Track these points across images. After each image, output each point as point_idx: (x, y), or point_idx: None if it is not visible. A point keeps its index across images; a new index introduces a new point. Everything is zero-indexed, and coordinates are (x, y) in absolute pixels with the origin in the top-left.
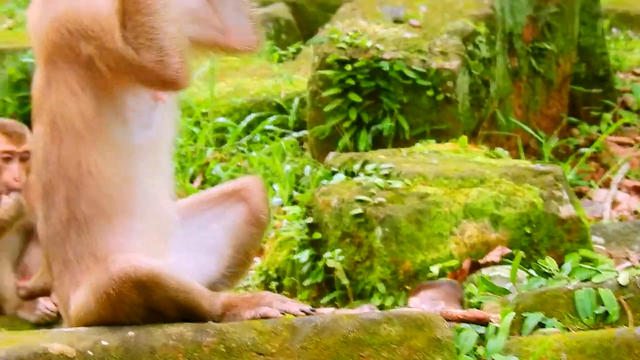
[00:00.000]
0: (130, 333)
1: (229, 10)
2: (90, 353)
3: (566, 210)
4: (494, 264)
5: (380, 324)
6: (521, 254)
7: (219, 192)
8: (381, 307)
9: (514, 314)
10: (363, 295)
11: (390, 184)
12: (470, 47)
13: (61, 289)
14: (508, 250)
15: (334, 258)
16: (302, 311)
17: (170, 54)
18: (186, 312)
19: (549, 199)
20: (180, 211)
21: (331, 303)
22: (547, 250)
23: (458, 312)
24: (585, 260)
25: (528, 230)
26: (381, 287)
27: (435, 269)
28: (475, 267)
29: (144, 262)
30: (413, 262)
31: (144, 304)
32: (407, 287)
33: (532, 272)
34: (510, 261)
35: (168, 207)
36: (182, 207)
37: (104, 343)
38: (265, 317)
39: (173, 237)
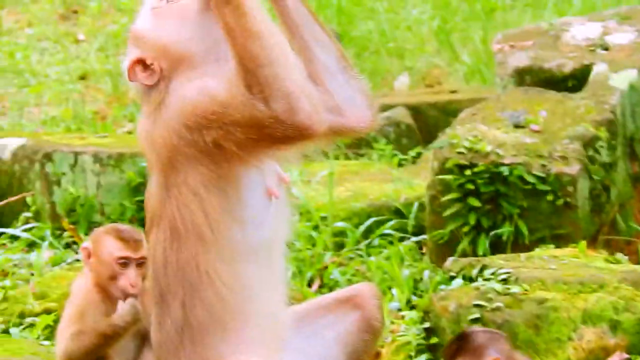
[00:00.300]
0: None
1: (339, 86)
2: None
3: None
4: None
5: None
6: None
7: (334, 298)
8: None
9: None
10: None
11: (508, 289)
12: (591, 152)
13: None
14: (627, 356)
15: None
16: None
17: (299, 99)
18: None
19: None
20: (295, 317)
21: None
22: None
23: None
24: None
25: None
26: None
27: None
28: None
29: None
30: None
31: None
32: None
33: None
34: None
35: (282, 314)
36: (297, 313)
37: None
38: None
39: (286, 345)
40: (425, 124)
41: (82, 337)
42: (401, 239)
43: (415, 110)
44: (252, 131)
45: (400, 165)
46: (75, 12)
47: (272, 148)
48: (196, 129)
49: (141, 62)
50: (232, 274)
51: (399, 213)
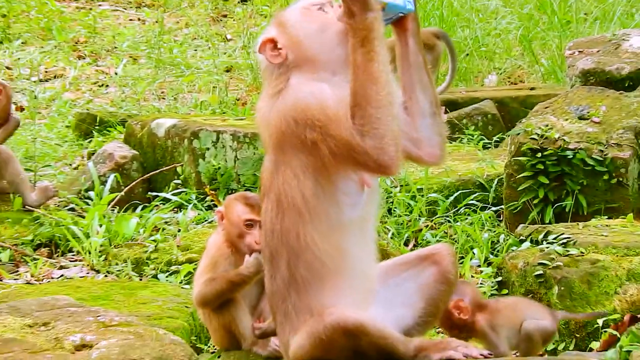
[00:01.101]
0: None
1: (425, 125)
2: None
3: None
4: None
5: None
6: None
7: (416, 255)
8: (554, 351)
9: None
10: None
11: (567, 251)
12: None
13: (282, 334)
14: None
15: None
16: (482, 355)
17: (389, 143)
18: (385, 354)
19: None
20: (383, 271)
21: None
22: None
23: None
24: None
25: None
26: (555, 335)
27: (601, 321)
28: (634, 320)
29: (352, 314)
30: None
31: (351, 347)
32: (577, 335)
33: None
34: None
35: (371, 270)
36: (385, 267)
37: None
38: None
39: (376, 294)
40: (508, 114)
41: (214, 283)
42: (482, 208)
43: (500, 103)
44: (343, 150)
45: (485, 147)
46: (225, 16)
47: (354, 168)
48: (302, 125)
49: (273, 42)
50: (328, 242)
51: (481, 187)
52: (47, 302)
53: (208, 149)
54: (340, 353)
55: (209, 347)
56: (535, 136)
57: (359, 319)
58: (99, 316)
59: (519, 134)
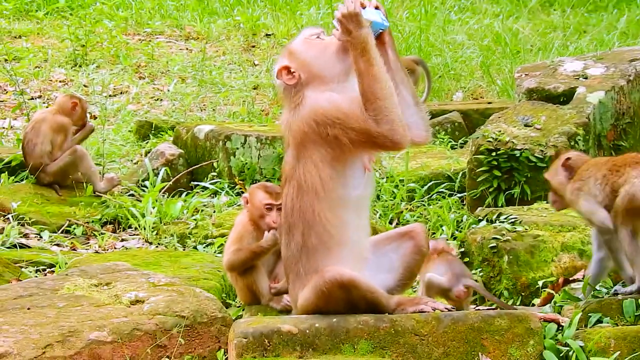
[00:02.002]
0: (334, 319)
1: (411, 113)
2: (307, 331)
3: None
4: (578, 281)
5: (495, 318)
6: (588, 276)
7: (397, 232)
8: None
9: (581, 313)
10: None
11: (515, 228)
12: (572, 143)
13: (293, 291)
14: None
15: (477, 274)
16: (446, 308)
17: (398, 125)
18: (371, 306)
19: None
20: (373, 243)
21: (473, 302)
22: (614, 272)
23: (541, 314)
24: None
25: None
26: (506, 293)
27: (540, 283)
28: (567, 282)
29: (346, 271)
30: (527, 278)
31: (345, 298)
32: (522, 294)
33: (597, 287)
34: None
35: (365, 242)
36: (374, 241)
37: (317, 325)
38: (421, 312)
39: (367, 260)
40: (471, 122)
41: (240, 253)
42: (450, 195)
43: (465, 114)
44: (363, 137)
45: (452, 148)
46: (253, 46)
47: (372, 149)
48: (322, 124)
49: (287, 69)
50: (335, 216)
51: (449, 178)
52: (109, 266)
53: (238, 148)
54: (337, 303)
55: (235, 302)
56: (490, 139)
57: (351, 275)
58: (149, 278)
59: (478, 137)
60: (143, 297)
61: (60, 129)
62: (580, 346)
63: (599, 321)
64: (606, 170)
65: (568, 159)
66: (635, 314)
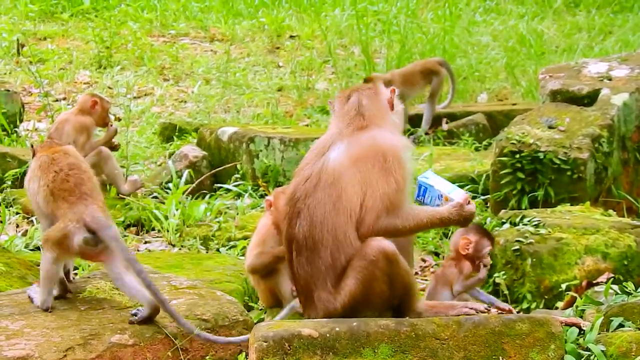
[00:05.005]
0: (354, 323)
1: None
2: (328, 335)
3: None
4: (601, 284)
5: (516, 322)
6: (610, 281)
7: None
8: (528, 310)
9: (602, 317)
10: (517, 301)
11: (538, 230)
12: (597, 145)
13: (321, 303)
14: (612, 275)
15: (500, 277)
16: (472, 308)
17: None
18: (406, 290)
19: None
20: None
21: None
22: (638, 275)
23: (562, 318)
24: None
25: (626, 262)
26: (529, 296)
27: (564, 286)
28: (590, 285)
29: (390, 244)
30: (550, 281)
31: (388, 273)
32: (545, 297)
33: (618, 291)
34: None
35: None
36: None
37: (337, 329)
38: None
39: None
40: (495, 124)
41: (262, 256)
42: (473, 197)
43: (489, 116)
44: None
45: (476, 150)
46: (278, 48)
47: None
48: None
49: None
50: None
51: (473, 181)
52: None
53: (261, 150)
54: (381, 279)
55: (258, 305)
56: (514, 141)
57: (394, 249)
58: (171, 281)
59: (501, 139)
60: None
61: (83, 128)
62: (602, 350)
63: (621, 325)
64: None
65: None
66: None
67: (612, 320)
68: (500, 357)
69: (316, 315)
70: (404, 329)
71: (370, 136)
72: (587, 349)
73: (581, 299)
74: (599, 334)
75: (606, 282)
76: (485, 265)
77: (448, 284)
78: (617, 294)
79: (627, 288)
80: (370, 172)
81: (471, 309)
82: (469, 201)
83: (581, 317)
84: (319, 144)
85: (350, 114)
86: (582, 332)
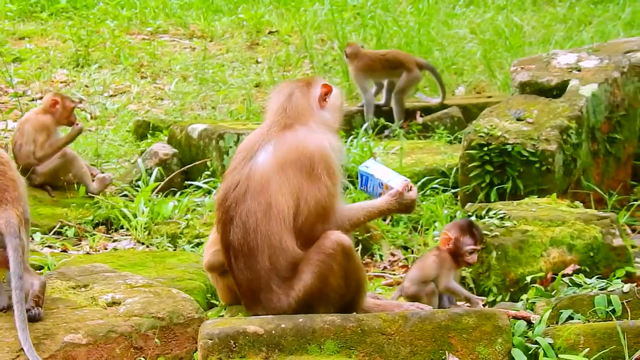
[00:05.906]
0: (300, 320)
1: None
2: (274, 332)
3: (617, 242)
4: (567, 275)
5: (463, 316)
6: (559, 275)
7: None
8: (493, 303)
9: (551, 310)
10: (483, 294)
11: (503, 223)
12: (565, 136)
13: (271, 300)
14: (578, 267)
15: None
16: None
17: None
18: (358, 288)
19: (606, 234)
20: None
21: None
22: (604, 267)
23: (511, 312)
24: (629, 274)
25: (592, 254)
26: (494, 289)
27: (529, 278)
28: (554, 279)
29: (347, 238)
30: (515, 273)
31: (345, 267)
32: (511, 290)
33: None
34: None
35: None
36: None
37: (283, 325)
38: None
39: None
40: (470, 117)
41: (219, 254)
42: (444, 191)
43: (464, 108)
44: None
45: (450, 143)
46: (257, 44)
47: None
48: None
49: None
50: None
51: (443, 174)
52: (87, 268)
53: (231, 147)
54: (335, 279)
55: (220, 302)
56: (482, 134)
57: (350, 243)
58: (126, 279)
59: (470, 132)
60: (119, 299)
61: (42, 127)
62: (549, 343)
63: (570, 317)
64: None
65: None
66: (607, 309)
67: (561, 313)
68: (447, 352)
69: (264, 313)
70: (350, 325)
71: (295, 137)
72: (535, 342)
73: (547, 291)
74: (547, 326)
75: (572, 274)
76: (468, 264)
77: (424, 271)
78: (567, 285)
79: (576, 280)
80: (298, 180)
81: (418, 308)
82: (410, 188)
83: (532, 310)
84: (247, 144)
85: (278, 111)
86: (531, 325)
